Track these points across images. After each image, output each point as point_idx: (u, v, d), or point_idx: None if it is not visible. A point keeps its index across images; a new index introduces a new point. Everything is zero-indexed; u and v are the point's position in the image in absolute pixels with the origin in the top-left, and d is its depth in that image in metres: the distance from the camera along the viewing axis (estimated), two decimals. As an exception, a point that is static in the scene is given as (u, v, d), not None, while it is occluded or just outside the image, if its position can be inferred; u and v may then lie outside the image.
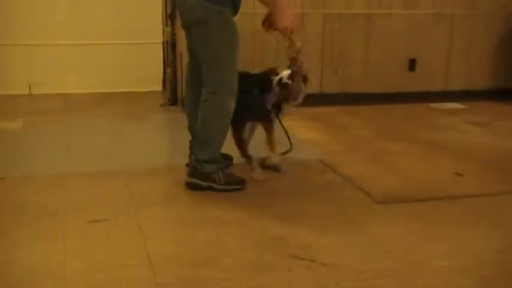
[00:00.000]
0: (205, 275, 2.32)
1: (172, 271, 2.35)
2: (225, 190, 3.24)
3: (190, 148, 3.50)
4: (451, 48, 5.74)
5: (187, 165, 3.49)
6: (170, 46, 5.48)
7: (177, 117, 4.96)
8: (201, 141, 3.30)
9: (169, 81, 5.56)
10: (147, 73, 5.97)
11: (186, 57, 5.18)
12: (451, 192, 3.31)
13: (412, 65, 5.69)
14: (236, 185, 3.29)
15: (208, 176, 3.25)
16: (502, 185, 3.45)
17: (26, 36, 5.69)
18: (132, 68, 5.90)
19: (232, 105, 3.23)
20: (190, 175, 3.30)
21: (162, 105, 5.42)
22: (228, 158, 3.57)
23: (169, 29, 5.46)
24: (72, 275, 2.29)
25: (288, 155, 3.60)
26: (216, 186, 3.25)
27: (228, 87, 3.22)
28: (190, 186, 3.28)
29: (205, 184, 3.25)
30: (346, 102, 5.48)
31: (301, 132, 4.47)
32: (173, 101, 5.44)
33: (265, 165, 3.55)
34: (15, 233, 2.68)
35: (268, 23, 3.37)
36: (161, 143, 4.26)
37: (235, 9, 3.25)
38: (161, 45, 5.92)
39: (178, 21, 5.22)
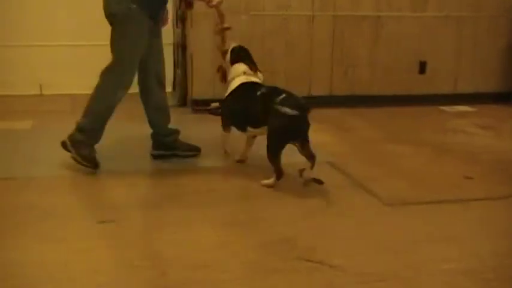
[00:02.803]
0: (210, 276, 2.33)
1: (178, 272, 2.36)
2: (75, 160, 3.52)
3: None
4: (460, 51, 5.73)
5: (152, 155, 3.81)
6: (180, 47, 5.50)
7: (186, 119, 4.99)
8: (86, 107, 3.57)
9: (179, 82, 5.58)
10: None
11: (196, 59, 5.26)
12: (458, 195, 3.31)
13: (422, 67, 5.68)
14: (90, 163, 3.51)
15: (76, 143, 3.51)
16: (510, 188, 3.44)
17: (37, 37, 5.73)
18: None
19: (118, 95, 3.51)
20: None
21: (171, 106, 5.43)
22: (196, 149, 3.85)
23: (179, 30, 5.49)
24: (78, 276, 2.31)
25: (295, 156, 3.58)
26: (73, 153, 3.52)
27: (120, 78, 3.51)
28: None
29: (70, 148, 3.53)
30: (355, 104, 5.48)
31: (310, 134, 4.47)
32: (183, 102, 5.46)
33: (304, 178, 3.42)
34: (20, 234, 2.69)
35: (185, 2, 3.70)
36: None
37: (149, 9, 3.50)
38: (171, 47, 5.94)
39: (189, 23, 5.26)
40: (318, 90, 5.48)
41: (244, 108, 3.53)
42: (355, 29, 5.48)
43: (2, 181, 3.36)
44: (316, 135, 4.47)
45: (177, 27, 5.66)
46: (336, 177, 3.57)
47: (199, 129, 4.53)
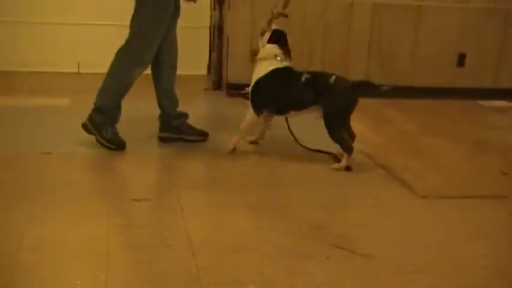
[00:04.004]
0: (243, 259, 2.33)
1: (211, 254, 2.37)
2: (101, 143, 3.52)
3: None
4: (503, 45, 5.61)
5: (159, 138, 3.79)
6: (217, 30, 5.50)
7: (220, 102, 4.99)
8: (102, 86, 3.55)
9: (214, 65, 5.58)
10: (193, 57, 5.99)
11: (232, 42, 5.25)
12: (496, 191, 3.25)
13: (461, 60, 5.58)
14: (115, 144, 3.52)
15: (98, 126, 3.51)
16: (549, 186, 3.37)
17: (76, 16, 5.78)
18: (178, 51, 5.92)
19: (135, 72, 3.46)
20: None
21: (205, 89, 5.45)
22: (203, 134, 3.82)
23: (217, 13, 5.48)
24: (115, 252, 2.34)
25: (329, 144, 3.56)
26: (98, 137, 3.53)
27: (137, 54, 3.48)
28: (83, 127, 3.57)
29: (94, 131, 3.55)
30: (392, 95, 5.40)
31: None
32: (217, 85, 5.46)
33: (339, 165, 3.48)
34: (60, 209, 2.73)
35: None
36: (205, 127, 4.27)
37: None
38: (208, 30, 5.94)
39: (226, 6, 5.24)
40: (354, 79, 5.41)
41: (288, 92, 3.52)
42: (395, 18, 5.40)
43: (42, 156, 3.40)
44: (352, 125, 4.44)
45: (214, 9, 5.65)
46: (371, 168, 3.54)
47: (233, 113, 4.52)
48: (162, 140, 3.79)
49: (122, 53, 3.48)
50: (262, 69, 3.58)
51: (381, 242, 2.55)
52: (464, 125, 4.71)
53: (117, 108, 3.57)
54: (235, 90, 5.18)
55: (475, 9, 5.47)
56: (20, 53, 5.77)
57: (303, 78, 3.47)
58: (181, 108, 3.81)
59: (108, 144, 3.52)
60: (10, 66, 5.71)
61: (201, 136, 3.82)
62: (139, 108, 4.18)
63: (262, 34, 3.68)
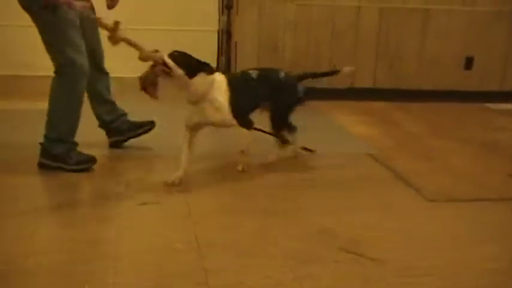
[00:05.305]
0: (251, 262, 2.34)
1: (219, 257, 2.37)
2: (73, 171, 3.23)
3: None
4: (510, 48, 5.60)
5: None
6: (225, 35, 5.51)
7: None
8: (49, 119, 3.27)
9: (223, 69, 5.60)
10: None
11: (241, 46, 5.26)
12: (503, 193, 3.24)
13: (468, 63, 5.57)
14: (85, 164, 3.28)
15: (57, 156, 3.24)
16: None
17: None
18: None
19: (80, 84, 3.23)
20: (41, 155, 3.28)
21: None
22: (147, 124, 3.74)
23: (225, 17, 5.50)
24: (123, 255, 2.35)
25: (337, 148, 3.57)
26: (65, 166, 3.23)
27: (68, 68, 3.18)
28: (41, 166, 3.27)
29: (55, 165, 3.24)
30: (399, 98, 5.41)
31: (352, 126, 4.45)
32: (225, 89, 5.47)
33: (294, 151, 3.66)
34: (71, 213, 2.75)
35: None
36: (211, 130, 4.28)
37: None
38: (216, 34, 5.96)
39: (234, 10, 5.26)
40: (362, 82, 5.43)
41: (251, 97, 3.41)
42: (402, 21, 5.41)
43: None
44: (359, 128, 4.45)
45: (222, 14, 5.67)
46: (378, 170, 3.54)
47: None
48: (112, 146, 3.74)
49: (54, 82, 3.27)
50: (218, 92, 3.21)
51: (389, 246, 2.55)
52: (472, 127, 4.70)
53: (76, 126, 3.33)
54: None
55: (482, 13, 5.47)
56: (25, 56, 5.76)
57: (254, 77, 3.42)
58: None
59: (79, 167, 3.26)
60: (16, 70, 5.73)
61: (148, 125, 3.77)
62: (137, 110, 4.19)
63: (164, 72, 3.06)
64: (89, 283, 2.12)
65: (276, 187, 3.22)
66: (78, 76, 3.21)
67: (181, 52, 3.13)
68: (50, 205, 2.79)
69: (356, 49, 5.40)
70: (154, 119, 3.79)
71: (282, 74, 3.51)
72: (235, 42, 5.27)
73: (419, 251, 2.52)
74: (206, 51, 6.00)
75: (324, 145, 3.74)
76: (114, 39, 3.03)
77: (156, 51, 3.03)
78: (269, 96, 3.44)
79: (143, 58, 3.00)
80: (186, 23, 5.91)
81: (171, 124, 4.15)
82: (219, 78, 3.23)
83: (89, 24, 3.36)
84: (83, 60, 3.23)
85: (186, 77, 3.07)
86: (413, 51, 5.49)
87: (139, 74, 3.04)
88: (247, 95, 3.36)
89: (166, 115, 4.09)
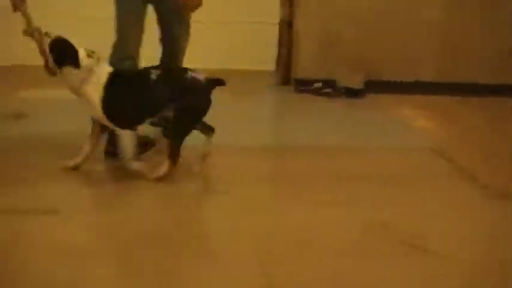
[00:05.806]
0: (310, 252, 2.34)
1: (277, 246, 2.39)
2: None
3: None
4: None
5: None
6: (286, 26, 5.51)
7: (289, 98, 5.01)
8: None
9: (283, 61, 5.60)
10: (262, 52, 6.02)
11: (302, 37, 5.25)
12: None
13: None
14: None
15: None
16: None
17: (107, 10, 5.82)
18: (247, 46, 5.97)
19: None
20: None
21: (274, 85, 5.49)
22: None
23: (286, 8, 5.49)
24: (183, 241, 2.41)
25: (399, 141, 3.51)
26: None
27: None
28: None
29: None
30: (464, 92, 5.28)
31: (414, 120, 4.39)
32: (286, 81, 5.48)
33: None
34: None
35: None
36: (274, 121, 4.29)
37: None
38: (277, 25, 5.95)
39: (295, 2, 5.25)
40: (425, 76, 5.33)
41: (142, 98, 3.03)
42: (467, 11, 5.25)
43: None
44: (421, 121, 4.38)
45: (283, 5, 5.66)
46: (441, 165, 3.47)
47: (301, 109, 4.52)
48: (106, 155, 3.29)
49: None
50: (94, 86, 2.95)
51: (451, 241, 2.50)
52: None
53: None
54: (304, 85, 5.18)
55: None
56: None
57: (153, 77, 3.00)
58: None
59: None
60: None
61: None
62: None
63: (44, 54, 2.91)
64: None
65: (334, 178, 3.17)
66: None
67: (60, 39, 2.93)
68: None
69: (417, 41, 5.29)
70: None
71: (190, 75, 3.03)
72: (297, 33, 5.26)
73: (483, 247, 2.48)
74: (267, 42, 6.02)
75: (385, 139, 3.69)
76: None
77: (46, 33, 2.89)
78: (172, 101, 2.99)
79: (26, 33, 2.89)
80: (248, 14, 5.93)
81: (233, 117, 4.16)
82: (101, 73, 2.95)
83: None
84: None
85: (55, 67, 2.90)
86: (479, 43, 5.33)
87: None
88: (134, 95, 3.00)
89: (226, 107, 4.12)
